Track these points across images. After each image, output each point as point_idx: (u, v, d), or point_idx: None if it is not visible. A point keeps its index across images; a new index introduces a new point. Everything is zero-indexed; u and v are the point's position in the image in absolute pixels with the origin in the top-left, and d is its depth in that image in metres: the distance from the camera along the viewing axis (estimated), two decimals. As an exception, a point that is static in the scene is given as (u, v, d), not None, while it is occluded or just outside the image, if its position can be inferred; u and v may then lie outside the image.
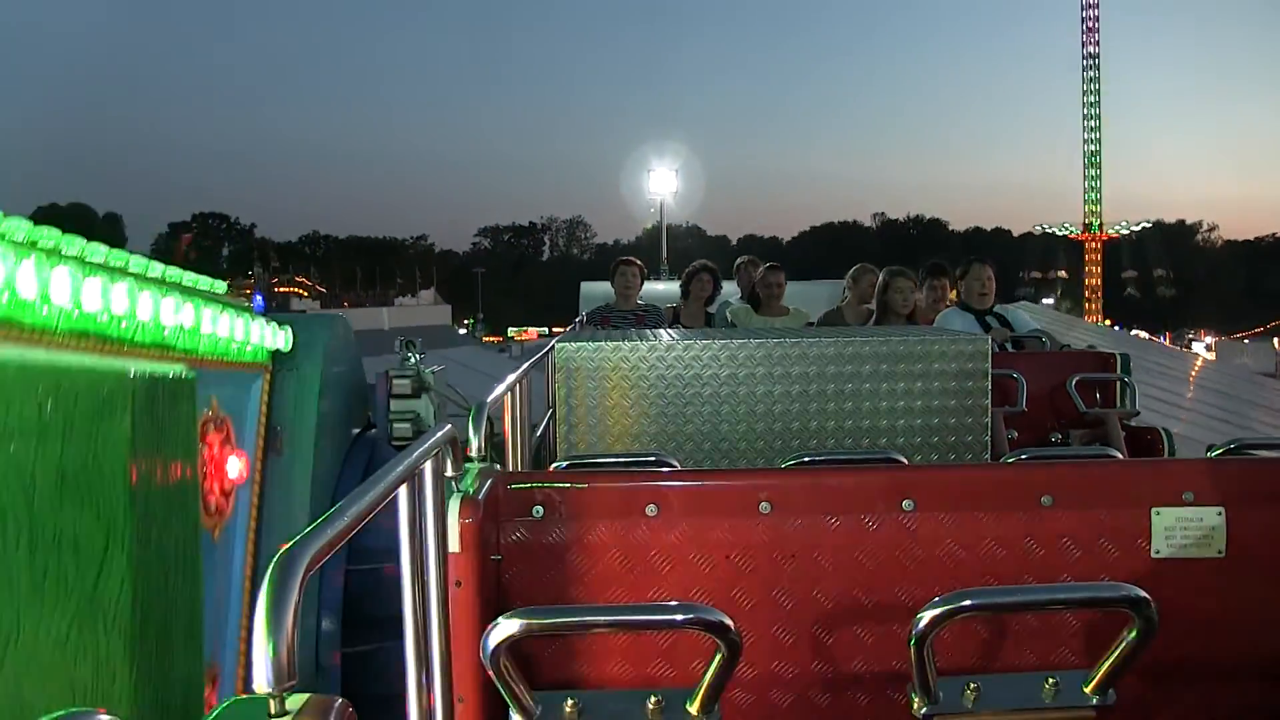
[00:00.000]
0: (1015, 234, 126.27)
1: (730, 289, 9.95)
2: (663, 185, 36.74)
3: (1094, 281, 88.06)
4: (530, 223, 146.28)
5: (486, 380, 5.06)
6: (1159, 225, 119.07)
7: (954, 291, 7.70)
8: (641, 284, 8.56)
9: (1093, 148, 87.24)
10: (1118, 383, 6.29)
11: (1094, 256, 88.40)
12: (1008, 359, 6.28)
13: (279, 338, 4.86)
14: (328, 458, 5.10)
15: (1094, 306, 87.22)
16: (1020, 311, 7.24)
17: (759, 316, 8.16)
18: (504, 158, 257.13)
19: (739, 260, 10.19)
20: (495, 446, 4.92)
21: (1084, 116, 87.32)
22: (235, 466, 4.35)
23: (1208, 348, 67.09)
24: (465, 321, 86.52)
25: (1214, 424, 18.48)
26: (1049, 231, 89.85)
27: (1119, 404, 6.24)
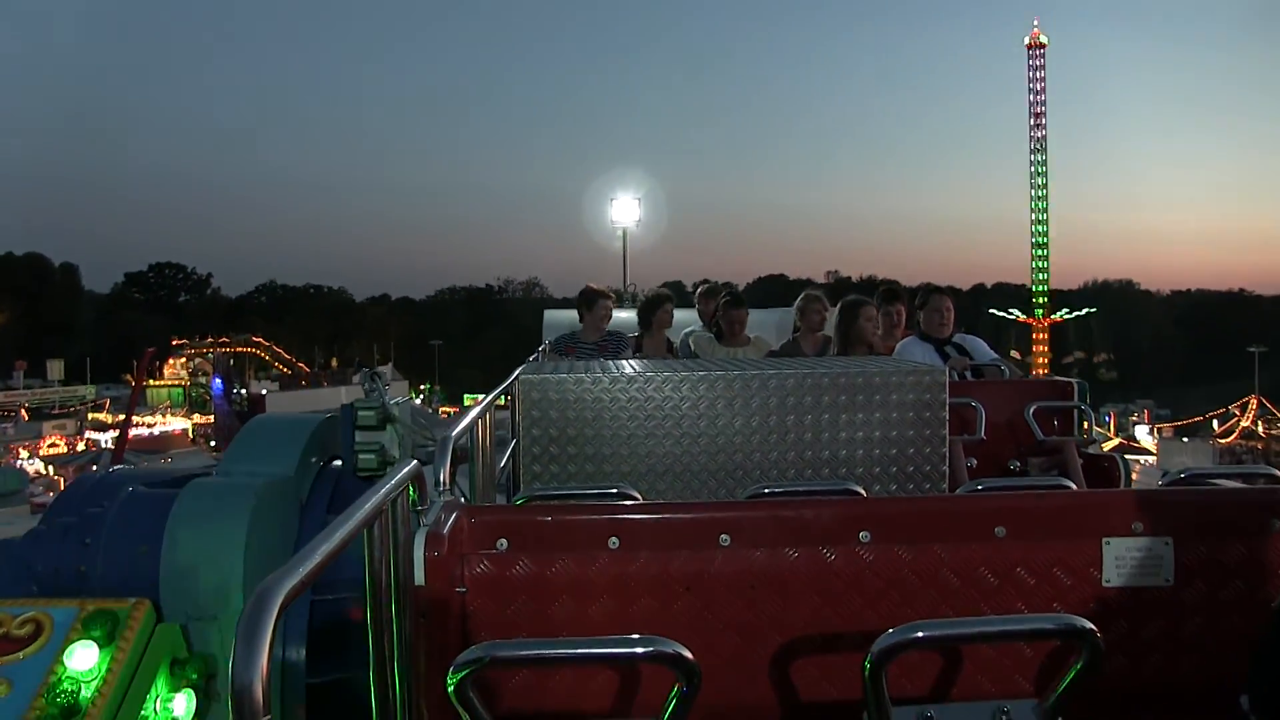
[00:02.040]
0: (965, 289, 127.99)
1: (690, 317, 9.98)
2: (626, 214, 36.83)
3: (1041, 366, 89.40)
4: (487, 284, 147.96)
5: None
6: (1105, 286, 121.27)
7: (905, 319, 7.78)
8: (610, 317, 8.54)
9: (1040, 231, 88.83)
10: (1075, 410, 6.37)
11: (1041, 338, 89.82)
12: (966, 388, 6.36)
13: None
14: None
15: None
16: (979, 340, 7.32)
17: (722, 346, 8.21)
18: (462, 218, 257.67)
19: (699, 289, 10.21)
20: (462, 476, 4.95)
21: (1031, 198, 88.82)
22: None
23: (1149, 433, 71.76)
24: (422, 388, 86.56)
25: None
26: (997, 314, 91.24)
27: (1076, 432, 6.33)
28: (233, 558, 4.42)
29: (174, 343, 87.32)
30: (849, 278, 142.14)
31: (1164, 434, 73.01)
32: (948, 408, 4.69)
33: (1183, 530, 2.83)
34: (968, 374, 6.83)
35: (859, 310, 7.19)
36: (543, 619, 2.70)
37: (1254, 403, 75.53)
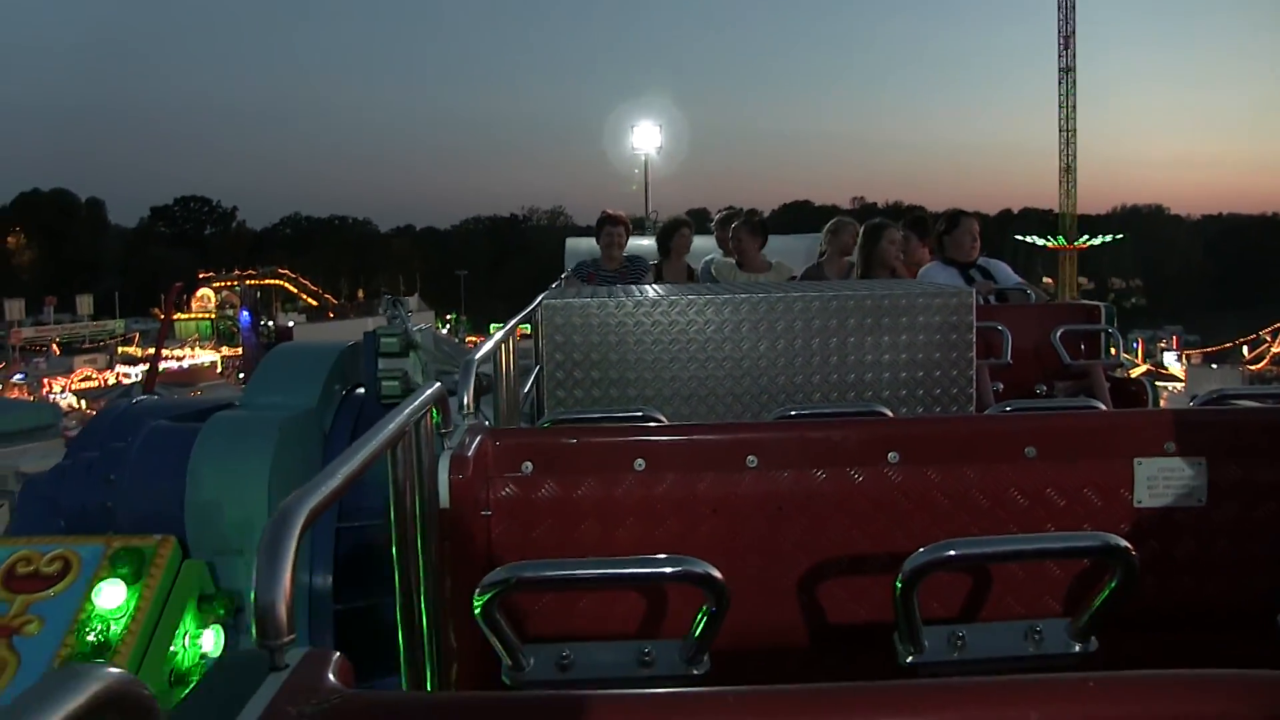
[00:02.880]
0: (992, 215, 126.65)
1: (710, 244, 9.93)
2: (647, 141, 36.62)
3: (1069, 295, 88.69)
4: (511, 214, 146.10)
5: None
6: (1133, 210, 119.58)
7: (926, 249, 7.72)
8: (626, 241, 8.52)
9: (1068, 160, 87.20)
10: (1102, 334, 6.31)
11: (1068, 268, 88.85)
12: (992, 312, 6.29)
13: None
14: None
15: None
16: (1003, 265, 7.24)
17: (743, 272, 8.15)
18: (484, 146, 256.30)
19: (716, 217, 10.15)
20: (486, 403, 4.94)
21: (1060, 129, 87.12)
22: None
23: (1177, 359, 71.00)
24: (447, 318, 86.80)
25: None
26: (1023, 241, 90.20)
27: (1103, 355, 6.27)
28: (257, 492, 4.44)
29: (200, 276, 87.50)
30: (875, 203, 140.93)
31: (1192, 360, 72.54)
32: (974, 330, 4.64)
33: (1216, 450, 2.79)
34: (992, 298, 6.76)
35: (882, 233, 7.11)
36: (568, 542, 2.69)
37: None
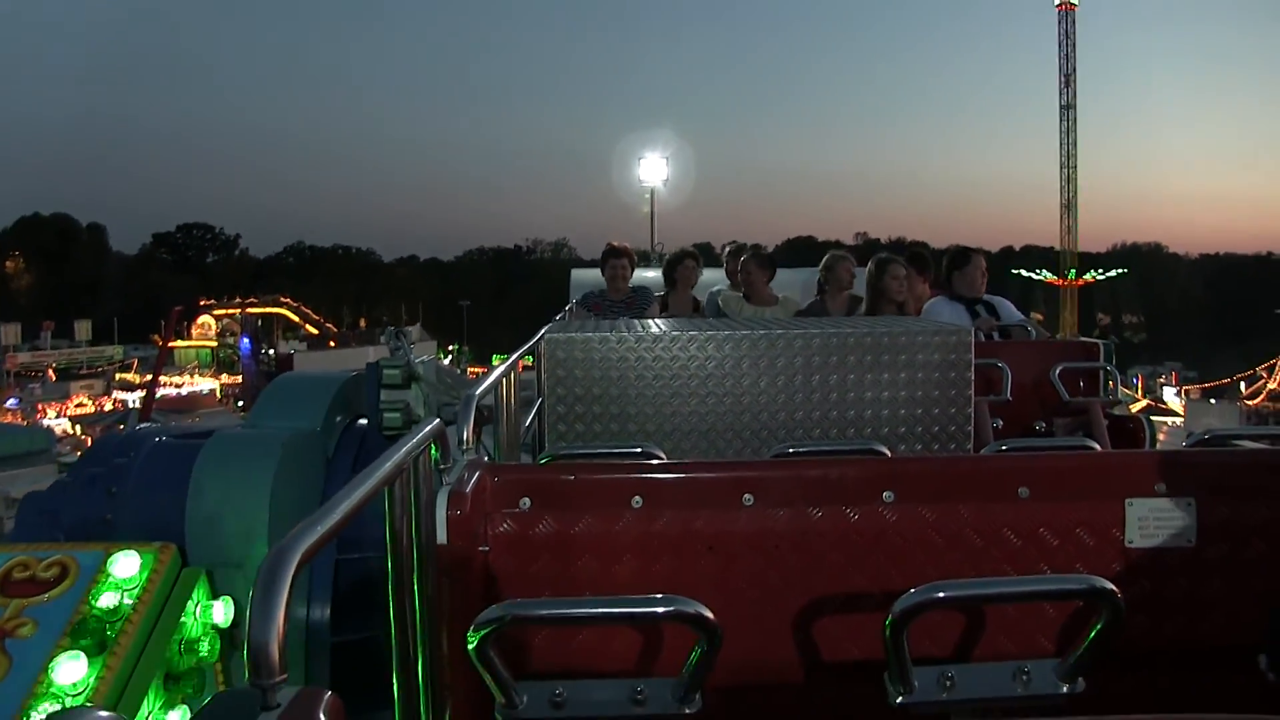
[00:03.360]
0: (994, 251, 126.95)
1: (717, 276, 9.97)
2: (653, 173, 36.70)
3: (1069, 329, 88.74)
4: (515, 245, 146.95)
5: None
6: (1133, 249, 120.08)
7: (926, 285, 7.75)
8: (631, 273, 8.57)
9: (1070, 196, 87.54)
10: (1101, 371, 6.33)
11: (1069, 302, 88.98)
12: (993, 348, 6.31)
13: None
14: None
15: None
16: (1006, 302, 7.27)
17: (750, 305, 8.19)
18: (491, 178, 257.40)
19: (725, 249, 10.22)
20: (487, 435, 4.95)
21: (1061, 164, 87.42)
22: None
23: (1176, 394, 70.95)
24: (450, 348, 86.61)
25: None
26: (1025, 275, 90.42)
27: (1102, 393, 6.29)
28: (258, 505, 4.43)
29: (201, 303, 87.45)
30: (877, 239, 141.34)
31: (1191, 396, 72.56)
32: (973, 368, 4.66)
33: (1205, 491, 2.81)
34: (994, 334, 6.79)
35: (886, 269, 7.15)
36: (566, 578, 2.70)
37: (1281, 363, 74.72)
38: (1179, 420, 55.43)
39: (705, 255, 9.91)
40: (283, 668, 1.34)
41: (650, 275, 10.86)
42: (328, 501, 1.78)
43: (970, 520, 2.75)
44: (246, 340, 65.32)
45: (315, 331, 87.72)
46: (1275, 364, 74.81)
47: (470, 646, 2.05)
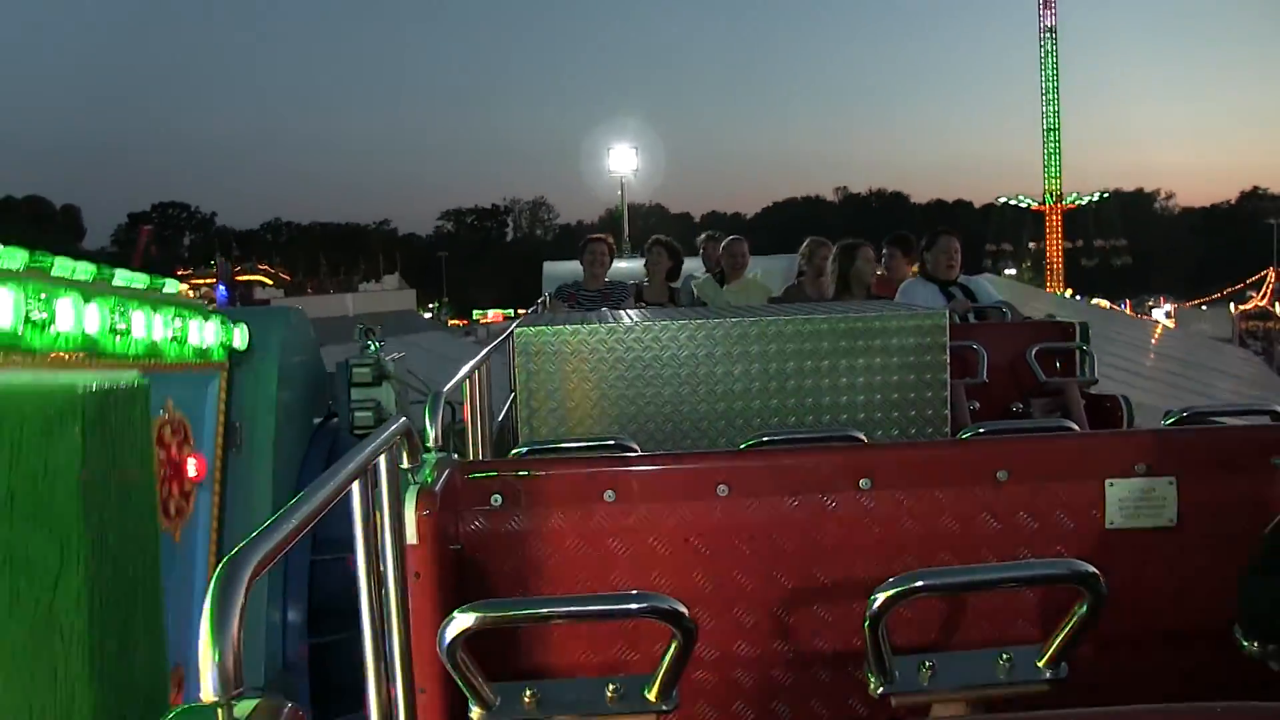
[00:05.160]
0: (977, 206, 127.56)
1: (695, 265, 9.98)
2: (623, 163, 36.63)
3: (1054, 253, 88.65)
4: (493, 204, 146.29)
5: (452, 364, 5.02)
6: (1117, 194, 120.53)
7: (913, 267, 7.74)
8: (610, 262, 8.58)
9: (1051, 121, 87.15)
10: (1077, 351, 6.33)
11: (1054, 227, 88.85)
12: (968, 330, 6.30)
13: (235, 335, 4.86)
14: (288, 452, 5.11)
15: (1055, 277, 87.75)
16: (984, 282, 7.27)
17: (724, 289, 8.23)
18: (465, 140, 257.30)
19: (701, 236, 10.28)
20: (458, 434, 4.91)
21: (1042, 90, 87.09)
22: (193, 467, 4.35)
23: (1167, 315, 68.92)
24: (430, 305, 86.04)
25: (1174, 390, 18.88)
26: (1009, 203, 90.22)
27: (1079, 373, 6.29)
28: None
29: (179, 273, 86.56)
30: (858, 193, 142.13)
31: (1184, 306, 71.70)
32: (949, 351, 4.64)
33: (1186, 470, 2.79)
34: (970, 316, 6.78)
35: (856, 252, 7.14)
36: (539, 575, 2.67)
37: (1272, 276, 73.91)
38: (1171, 323, 55.16)
39: (684, 223, 9.99)
40: (238, 681, 1.29)
41: (624, 266, 10.85)
42: (286, 505, 1.73)
43: (949, 505, 2.73)
44: (222, 288, 64.13)
45: (289, 277, 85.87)
46: (1264, 276, 74.18)
47: (441, 648, 2.01)
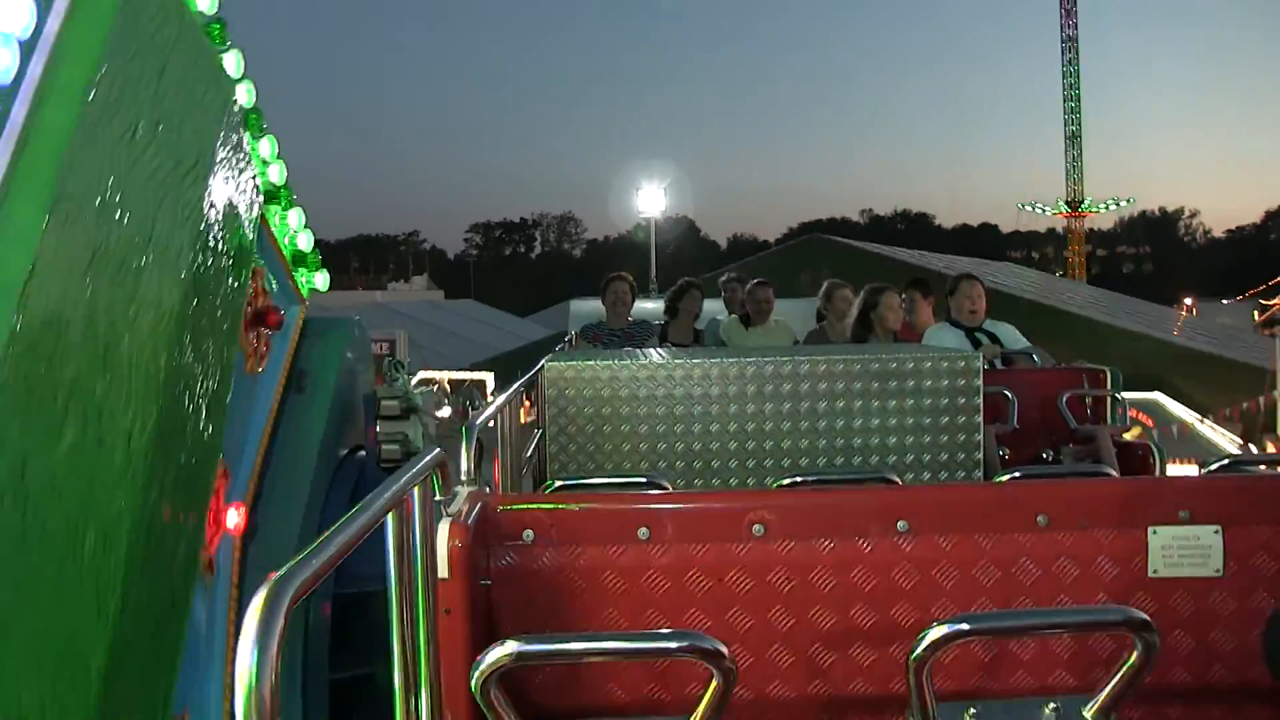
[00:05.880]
0: (1003, 231, 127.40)
1: (716, 306, 9.95)
2: (651, 204, 36.74)
3: (1077, 260, 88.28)
4: (521, 218, 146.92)
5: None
6: (1141, 215, 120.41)
7: (931, 309, 7.72)
8: (633, 301, 8.56)
9: (1073, 129, 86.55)
10: (1109, 399, 6.27)
11: (1076, 234, 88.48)
12: (998, 376, 6.25)
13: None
14: (317, 493, 4.90)
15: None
16: (1010, 328, 7.21)
17: (748, 331, 8.20)
18: (494, 154, 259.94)
19: (724, 278, 10.27)
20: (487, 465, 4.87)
21: (1064, 98, 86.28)
22: (232, 517, 4.18)
23: (1188, 309, 68.76)
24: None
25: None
26: (1031, 209, 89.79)
27: (1109, 419, 6.23)
28: None
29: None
30: (882, 216, 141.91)
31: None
32: (982, 394, 4.59)
33: (1231, 517, 2.73)
34: (997, 362, 6.72)
35: (880, 297, 7.12)
36: (570, 611, 2.63)
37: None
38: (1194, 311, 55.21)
39: (711, 251, 10.00)
40: (274, 712, 1.25)
41: (649, 306, 10.85)
42: (324, 534, 1.69)
43: (988, 550, 2.67)
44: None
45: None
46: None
47: (473, 685, 1.97)
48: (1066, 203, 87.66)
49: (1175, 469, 8.48)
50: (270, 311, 4.30)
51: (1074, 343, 23.36)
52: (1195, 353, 31.14)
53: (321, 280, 4.93)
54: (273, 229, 4.50)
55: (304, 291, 4.83)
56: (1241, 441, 15.34)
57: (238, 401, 3.95)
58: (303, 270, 4.82)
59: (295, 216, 4.71)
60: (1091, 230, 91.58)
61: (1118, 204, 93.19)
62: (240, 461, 4.21)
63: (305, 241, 4.79)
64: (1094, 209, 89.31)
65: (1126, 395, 6.62)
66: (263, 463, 4.40)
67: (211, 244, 3.47)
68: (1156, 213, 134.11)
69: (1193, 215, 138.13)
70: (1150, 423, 16.19)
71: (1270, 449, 14.04)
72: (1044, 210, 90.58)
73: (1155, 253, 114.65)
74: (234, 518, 4.13)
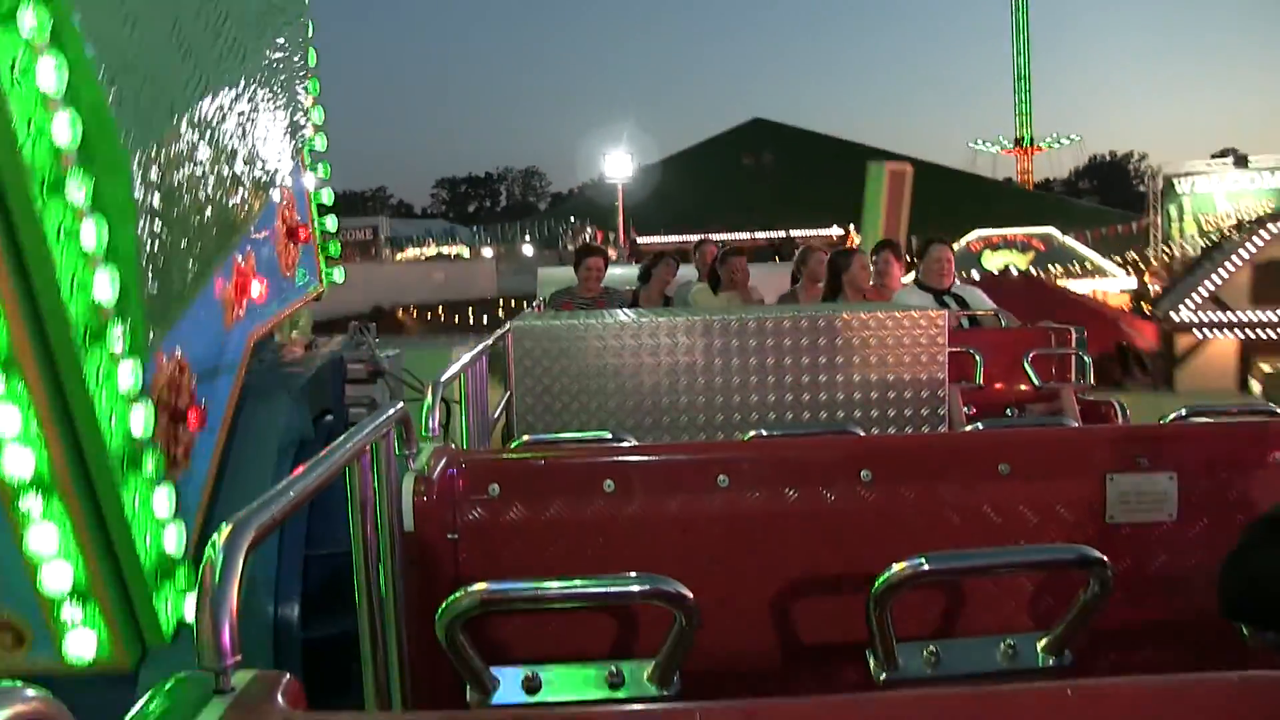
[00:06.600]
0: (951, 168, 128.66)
1: (688, 271, 9.96)
2: (619, 169, 36.61)
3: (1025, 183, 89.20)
4: (486, 173, 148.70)
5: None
6: (1091, 159, 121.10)
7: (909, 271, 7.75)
8: (605, 273, 8.57)
9: (1022, 67, 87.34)
10: (1073, 357, 6.32)
11: (1025, 170, 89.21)
12: (964, 336, 6.30)
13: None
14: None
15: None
16: (978, 292, 7.26)
17: (718, 296, 8.21)
18: (460, 110, 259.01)
19: (696, 241, 10.26)
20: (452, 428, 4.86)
21: (1013, 34, 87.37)
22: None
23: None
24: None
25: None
26: (981, 145, 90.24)
27: (1074, 378, 6.28)
28: None
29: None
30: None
31: None
32: (946, 352, 4.62)
33: (1186, 465, 2.78)
34: (965, 322, 6.78)
35: (852, 258, 7.14)
36: (537, 565, 2.64)
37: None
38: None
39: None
40: (235, 649, 1.26)
41: (619, 273, 10.84)
42: (285, 480, 1.70)
43: (949, 498, 2.71)
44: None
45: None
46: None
47: (439, 631, 1.98)
48: (1015, 140, 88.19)
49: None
50: (300, 227, 4.56)
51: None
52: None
53: (339, 275, 4.99)
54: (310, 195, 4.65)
55: (325, 278, 4.88)
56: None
57: (215, 349, 3.94)
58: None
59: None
60: (1046, 181, 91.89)
61: (1065, 141, 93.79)
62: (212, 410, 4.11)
63: (331, 223, 4.91)
64: (1041, 145, 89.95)
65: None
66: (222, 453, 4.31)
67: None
68: (1106, 156, 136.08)
69: (1142, 158, 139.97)
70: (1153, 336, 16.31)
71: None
72: (991, 147, 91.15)
73: (1103, 193, 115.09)
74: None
